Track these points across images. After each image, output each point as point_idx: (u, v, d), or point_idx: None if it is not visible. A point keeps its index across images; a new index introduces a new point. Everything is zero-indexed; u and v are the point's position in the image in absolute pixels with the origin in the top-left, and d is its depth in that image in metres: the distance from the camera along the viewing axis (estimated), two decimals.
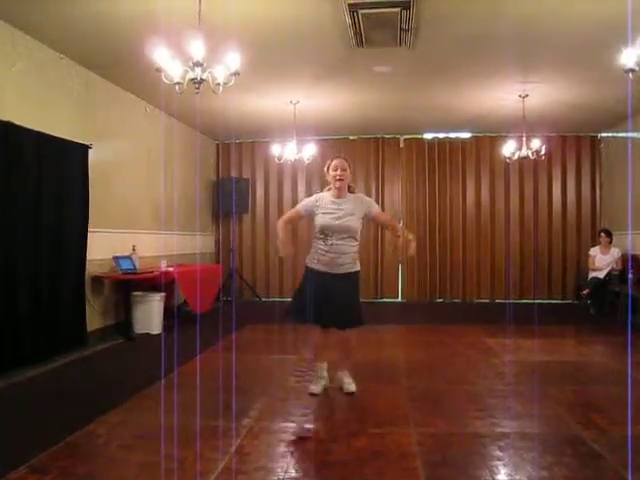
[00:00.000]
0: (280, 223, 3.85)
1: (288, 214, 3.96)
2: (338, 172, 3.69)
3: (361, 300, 3.90)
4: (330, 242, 3.66)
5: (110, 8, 4.22)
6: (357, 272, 3.81)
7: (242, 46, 3.98)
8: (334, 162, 3.74)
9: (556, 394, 3.82)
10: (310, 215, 3.79)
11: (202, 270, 7.21)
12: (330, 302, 3.63)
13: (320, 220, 3.70)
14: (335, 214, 3.68)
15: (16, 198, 4.52)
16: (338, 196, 3.74)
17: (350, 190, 3.81)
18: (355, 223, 3.71)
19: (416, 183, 9.35)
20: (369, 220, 3.92)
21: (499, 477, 2.55)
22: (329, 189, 3.80)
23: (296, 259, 8.37)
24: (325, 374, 3.91)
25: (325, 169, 3.81)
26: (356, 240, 3.75)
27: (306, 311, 3.61)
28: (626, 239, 7.74)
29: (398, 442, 2.95)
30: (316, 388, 3.81)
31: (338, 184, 3.70)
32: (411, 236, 3.79)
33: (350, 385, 3.84)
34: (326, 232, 3.68)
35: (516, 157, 7.31)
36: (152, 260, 6.80)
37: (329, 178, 3.76)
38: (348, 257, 3.70)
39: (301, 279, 3.86)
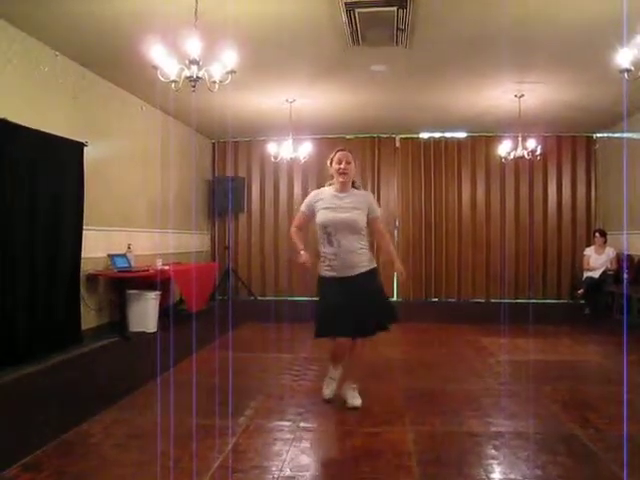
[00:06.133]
0: (292, 233, 3.61)
1: (295, 220, 3.64)
2: (342, 165, 3.43)
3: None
4: (336, 242, 3.37)
5: (106, 5, 4.20)
6: (374, 269, 3.50)
7: (238, 44, 3.97)
8: (338, 155, 3.46)
9: (551, 393, 3.83)
10: (312, 213, 3.49)
11: (198, 268, 7.19)
12: (355, 310, 3.33)
13: (321, 216, 3.42)
14: (337, 209, 3.40)
15: (10, 195, 4.49)
16: (341, 190, 3.46)
17: (354, 186, 3.54)
18: (359, 218, 3.41)
19: (412, 183, 9.36)
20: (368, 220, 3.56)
21: (494, 476, 2.55)
22: (331, 184, 3.54)
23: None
24: (337, 376, 3.66)
25: (328, 162, 3.52)
26: (363, 236, 3.46)
27: (332, 324, 3.37)
28: (621, 239, 7.77)
29: (393, 441, 2.95)
30: (329, 393, 3.64)
31: (342, 178, 3.44)
32: (401, 267, 3.60)
33: (355, 400, 3.51)
34: (329, 230, 3.39)
35: (512, 157, 7.34)
36: (148, 258, 6.77)
37: (332, 171, 3.49)
38: (359, 255, 3.41)
39: (317, 292, 3.54)
